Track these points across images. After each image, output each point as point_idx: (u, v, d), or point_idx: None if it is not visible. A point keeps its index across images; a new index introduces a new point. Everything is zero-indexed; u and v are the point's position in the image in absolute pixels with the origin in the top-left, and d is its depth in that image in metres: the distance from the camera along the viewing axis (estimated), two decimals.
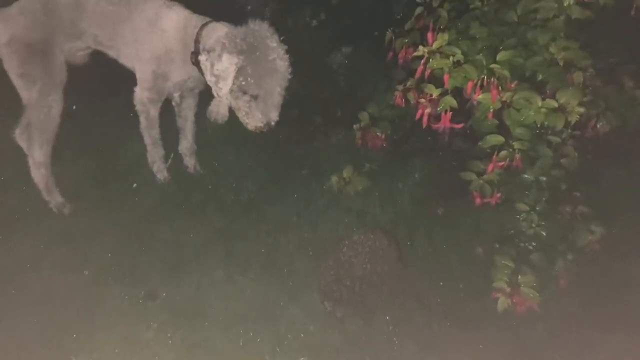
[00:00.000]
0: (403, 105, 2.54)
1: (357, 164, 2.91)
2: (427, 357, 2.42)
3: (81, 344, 2.40)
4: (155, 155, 2.86)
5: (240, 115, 2.33)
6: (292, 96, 3.46)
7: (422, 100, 2.31)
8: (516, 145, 2.38)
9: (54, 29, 2.53)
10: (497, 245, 2.64)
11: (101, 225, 2.84)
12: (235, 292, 2.60)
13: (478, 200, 2.58)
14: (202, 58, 2.25)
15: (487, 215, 2.83)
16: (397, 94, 2.52)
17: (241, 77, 2.20)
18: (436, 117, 2.40)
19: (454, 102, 2.29)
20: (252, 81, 2.20)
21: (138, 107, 2.70)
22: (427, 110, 2.30)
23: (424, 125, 2.37)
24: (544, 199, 2.52)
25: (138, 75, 2.66)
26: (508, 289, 2.37)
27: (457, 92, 2.39)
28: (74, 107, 3.21)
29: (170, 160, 3.13)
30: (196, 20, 2.45)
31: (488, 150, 2.59)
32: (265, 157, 3.16)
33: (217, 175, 3.06)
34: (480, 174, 2.56)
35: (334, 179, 2.88)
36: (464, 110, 2.52)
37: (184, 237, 2.84)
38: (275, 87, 2.25)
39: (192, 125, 2.98)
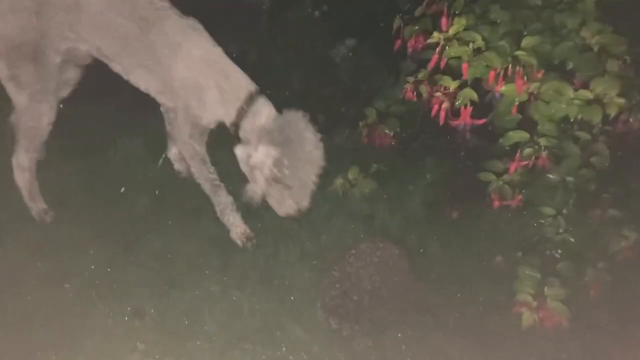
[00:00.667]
0: (414, 99, 2.32)
1: (363, 165, 2.75)
2: None
3: None
4: (222, 204, 2.58)
5: (272, 202, 2.36)
6: (292, 93, 3.30)
7: (438, 93, 2.06)
8: (542, 142, 2.16)
9: (49, 30, 2.34)
10: (520, 254, 2.47)
11: (85, 234, 2.63)
12: (231, 308, 2.39)
13: (497, 203, 2.40)
14: (238, 150, 2.30)
15: (507, 220, 2.66)
16: (408, 87, 2.30)
17: (276, 168, 2.23)
18: (454, 113, 2.16)
19: (474, 95, 2.05)
20: (287, 172, 2.24)
21: (179, 148, 2.62)
22: (445, 105, 2.05)
23: (442, 122, 2.12)
24: (571, 201, 2.33)
25: (176, 132, 2.54)
26: (533, 303, 2.18)
27: (475, 85, 2.15)
28: (60, 106, 2.99)
29: (162, 160, 2.94)
30: (237, 81, 2.35)
31: (507, 149, 2.38)
32: None
33: None
34: (499, 175, 2.36)
35: (339, 181, 2.71)
36: (482, 104, 2.29)
37: (175, 248, 2.62)
38: (310, 176, 2.29)
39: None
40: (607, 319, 2.37)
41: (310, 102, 3.12)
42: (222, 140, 2.78)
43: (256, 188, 2.32)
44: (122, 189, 2.83)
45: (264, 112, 2.31)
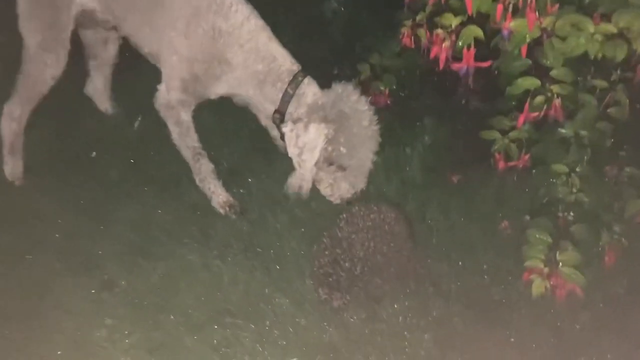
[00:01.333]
0: (412, 45, 2.08)
1: None
2: (446, 355, 1.99)
3: (17, 344, 1.99)
4: (203, 173, 2.36)
5: (322, 187, 2.18)
6: None
7: (438, 30, 1.83)
8: (555, 89, 1.91)
9: None
10: (528, 217, 2.22)
11: (52, 201, 2.45)
12: (210, 279, 2.18)
13: (502, 165, 2.20)
14: (286, 129, 2.07)
15: (512, 182, 2.45)
16: (405, 31, 2.07)
17: (331, 147, 2.04)
18: (456, 57, 1.92)
19: (479, 32, 1.83)
20: (344, 151, 2.05)
21: (162, 112, 2.30)
22: (445, 44, 1.82)
23: (441, 66, 1.88)
24: (585, 158, 2.08)
25: (166, 71, 2.24)
26: (545, 269, 1.96)
27: (480, 24, 1.91)
28: None
29: (138, 123, 2.78)
30: (282, 60, 2.13)
31: (513, 104, 2.16)
32: (249, 121, 2.71)
33: None
34: (504, 132, 2.16)
35: None
36: (486, 49, 2.05)
37: (151, 216, 2.44)
38: (368, 154, 2.10)
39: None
40: (623, 287, 2.18)
41: (300, 63, 2.89)
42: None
43: (305, 174, 2.11)
44: (94, 154, 2.65)
45: (309, 91, 2.11)
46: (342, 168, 2.07)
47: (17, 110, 2.42)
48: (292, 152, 2.07)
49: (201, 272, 2.19)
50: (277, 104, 2.12)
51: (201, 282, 2.16)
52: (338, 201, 2.15)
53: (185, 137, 2.30)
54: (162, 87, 2.24)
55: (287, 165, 2.58)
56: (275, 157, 2.63)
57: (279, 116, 2.14)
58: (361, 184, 2.13)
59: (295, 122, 2.04)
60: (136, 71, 3.02)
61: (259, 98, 2.17)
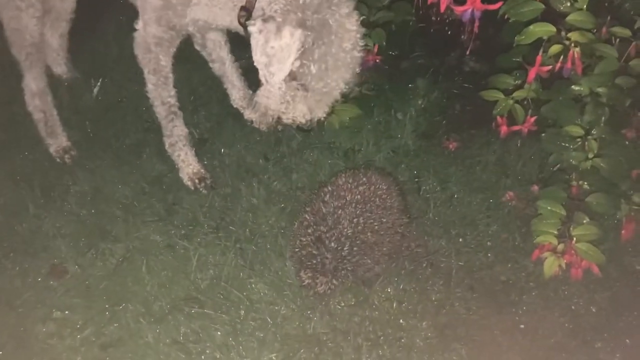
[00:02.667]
0: None
1: None
2: (448, 344, 1.76)
3: None
4: (175, 136, 2.12)
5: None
6: None
7: None
8: (574, 37, 1.66)
9: None
10: (537, 187, 1.99)
11: None
12: (176, 264, 1.92)
13: (504, 129, 1.99)
14: (253, 29, 1.67)
15: (517, 148, 2.24)
16: None
17: (299, 61, 1.67)
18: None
19: None
20: (314, 71, 1.68)
21: (140, 56, 1.99)
22: None
23: (442, 9, 1.62)
24: (603, 119, 1.84)
25: (140, 2, 1.94)
26: (558, 246, 1.77)
27: None
28: None
29: (98, 87, 2.52)
30: None
31: (519, 60, 1.93)
32: (221, 85, 2.43)
33: None
34: (508, 93, 1.95)
35: None
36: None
37: (108, 190, 2.16)
38: (340, 83, 1.73)
39: (232, 66, 2.30)
40: None
41: None
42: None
43: (272, 90, 1.75)
44: None
45: None
46: (304, 88, 1.74)
47: (32, 83, 2.20)
48: (258, 60, 1.69)
49: (165, 255, 1.94)
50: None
51: (165, 266, 1.90)
52: (289, 122, 1.82)
53: (161, 90, 2.04)
54: (139, 25, 1.97)
55: (263, 133, 2.34)
56: (251, 125, 2.37)
57: (245, 14, 1.77)
58: (321, 113, 1.81)
59: (266, 20, 1.66)
60: (96, 31, 2.74)
61: (230, 5, 1.82)
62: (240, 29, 1.82)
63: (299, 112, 1.80)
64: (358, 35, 1.70)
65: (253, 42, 1.69)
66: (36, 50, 2.15)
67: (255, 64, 1.71)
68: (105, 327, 1.74)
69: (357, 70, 1.75)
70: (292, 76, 1.72)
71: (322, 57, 1.67)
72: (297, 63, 1.68)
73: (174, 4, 1.86)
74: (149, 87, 2.04)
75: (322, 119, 1.84)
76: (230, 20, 1.85)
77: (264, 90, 1.77)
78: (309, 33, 1.64)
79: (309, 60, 1.66)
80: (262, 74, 1.73)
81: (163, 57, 1.99)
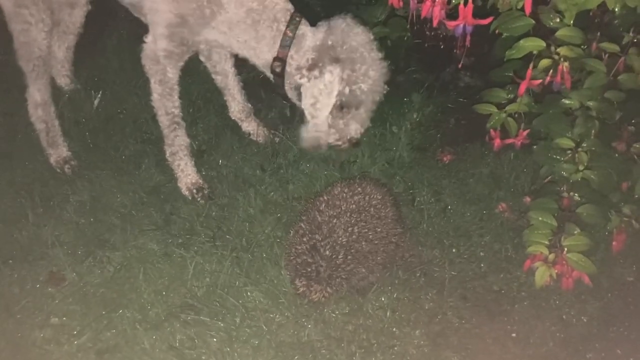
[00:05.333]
0: (400, 5, 1.82)
1: None
2: (440, 353, 1.78)
3: None
4: (176, 146, 2.15)
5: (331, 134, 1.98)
6: None
7: None
8: (563, 51, 1.70)
9: None
10: (528, 199, 2.02)
11: None
12: (173, 271, 1.94)
13: (498, 142, 2.00)
14: (304, 80, 1.87)
15: (510, 160, 2.27)
16: None
17: (348, 88, 1.87)
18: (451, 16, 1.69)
19: None
20: (365, 88, 1.87)
21: (148, 67, 2.03)
22: None
23: (435, 23, 1.66)
24: (593, 131, 1.88)
25: (152, 17, 1.98)
26: (549, 256, 1.78)
27: None
28: None
29: (98, 99, 2.55)
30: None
31: (510, 75, 1.97)
32: (220, 98, 2.46)
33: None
34: (501, 106, 1.97)
35: None
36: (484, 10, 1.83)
37: (107, 199, 2.17)
38: (382, 86, 1.93)
39: (234, 79, 2.35)
40: (632, 275, 2.00)
41: None
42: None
43: (320, 124, 1.90)
44: None
45: (308, 32, 1.90)
46: (357, 107, 1.90)
47: (36, 94, 2.21)
48: (306, 103, 1.88)
49: (162, 263, 1.95)
50: (276, 49, 1.89)
51: (162, 274, 1.91)
52: (346, 145, 1.98)
53: (166, 100, 2.07)
54: (148, 38, 2.01)
55: (261, 145, 2.38)
56: (248, 137, 2.41)
57: (280, 64, 1.90)
58: (368, 121, 1.98)
59: (310, 69, 1.85)
60: (97, 44, 2.78)
61: (253, 44, 1.92)
62: (265, 70, 1.98)
63: (353, 130, 1.94)
64: (375, 42, 1.90)
65: (304, 90, 1.88)
66: (43, 62, 2.18)
67: (302, 106, 1.91)
68: (102, 333, 1.74)
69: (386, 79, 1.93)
70: (343, 104, 1.87)
71: (364, 74, 1.85)
72: (347, 90, 1.85)
73: (191, 23, 1.91)
74: (154, 96, 2.07)
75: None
76: (247, 54, 1.97)
77: (313, 126, 1.91)
78: (346, 64, 1.82)
79: (356, 82, 1.83)
80: (308, 113, 1.90)
81: (171, 70, 2.02)
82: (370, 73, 1.86)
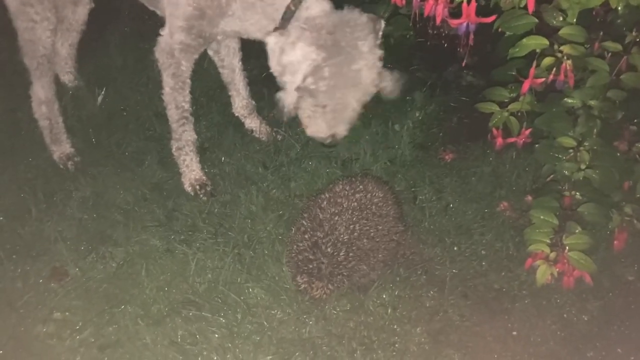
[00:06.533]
0: (402, 3, 1.83)
1: None
2: (441, 350, 1.77)
3: None
4: (183, 141, 2.15)
5: (302, 116, 1.91)
6: None
7: None
8: (566, 49, 1.70)
9: None
10: (530, 198, 2.02)
11: None
12: (175, 267, 1.94)
13: (500, 141, 1.99)
14: (270, 39, 1.81)
15: (512, 159, 2.28)
16: None
17: (312, 78, 1.76)
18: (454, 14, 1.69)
19: None
20: (324, 88, 1.77)
21: (162, 60, 2.02)
22: None
23: (438, 21, 1.66)
24: (595, 130, 1.87)
25: (169, 10, 1.97)
26: (550, 254, 1.77)
27: None
28: None
29: (101, 96, 2.55)
30: None
31: (513, 74, 1.97)
32: (223, 95, 2.47)
33: (161, 116, 2.35)
34: (503, 105, 1.96)
35: None
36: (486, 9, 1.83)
37: (109, 196, 2.18)
38: (351, 101, 1.82)
39: (241, 74, 2.35)
40: (633, 274, 2.00)
41: None
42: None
43: (286, 97, 1.84)
44: None
45: (315, 6, 1.81)
46: (320, 104, 1.83)
47: (40, 91, 2.22)
48: (273, 68, 1.83)
49: (164, 259, 1.95)
50: (277, 22, 1.84)
51: (164, 270, 1.92)
52: (312, 135, 1.92)
53: (177, 94, 2.07)
54: (165, 32, 2.00)
55: (263, 142, 2.38)
56: (251, 134, 2.42)
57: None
58: (340, 129, 1.88)
59: (282, 34, 1.78)
60: (100, 41, 2.79)
61: (264, 22, 1.88)
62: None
63: (317, 127, 1.88)
64: (371, 56, 1.78)
65: (268, 50, 1.80)
66: (47, 60, 2.18)
67: (271, 70, 1.83)
68: (104, 328, 1.75)
69: (374, 87, 1.83)
70: (309, 93, 1.80)
71: (333, 75, 1.75)
72: (310, 80, 1.76)
73: (210, 15, 1.90)
74: (166, 90, 2.07)
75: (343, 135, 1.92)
76: (260, 34, 1.92)
77: (282, 94, 1.85)
78: (322, 53, 1.73)
79: (321, 77, 1.74)
80: (278, 80, 1.84)
81: (185, 63, 2.02)
82: (338, 80, 1.76)
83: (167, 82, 2.05)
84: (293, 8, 1.81)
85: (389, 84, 1.92)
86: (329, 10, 1.81)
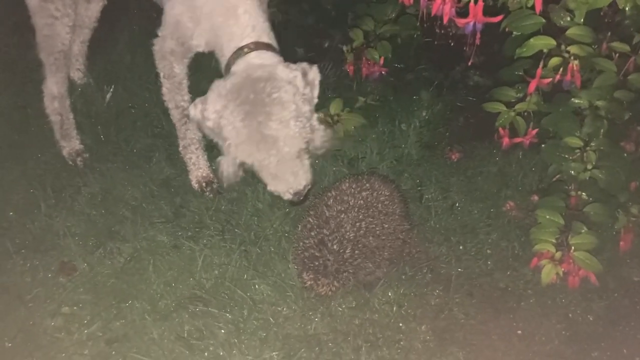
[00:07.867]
0: (411, 3, 1.83)
1: (348, 98, 2.29)
2: (446, 348, 1.78)
3: None
4: (188, 139, 2.16)
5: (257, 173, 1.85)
6: None
7: None
8: (573, 50, 1.70)
9: None
10: (536, 197, 2.03)
11: (4, 175, 2.20)
12: (182, 264, 1.95)
13: (506, 141, 2.00)
14: (190, 111, 1.80)
15: (518, 159, 2.27)
16: None
17: (225, 120, 1.73)
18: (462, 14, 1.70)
19: None
20: (225, 122, 1.72)
21: (157, 62, 2.07)
22: None
23: (445, 20, 1.66)
24: (602, 131, 1.87)
25: (164, 12, 2.03)
26: (556, 254, 1.78)
27: None
28: None
29: (110, 94, 2.56)
30: (243, 20, 1.82)
31: (520, 74, 1.97)
32: None
33: (169, 113, 2.31)
34: (510, 105, 1.97)
35: (318, 115, 2.18)
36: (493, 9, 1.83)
37: (118, 192, 2.19)
38: (271, 158, 1.73)
39: None
40: (639, 275, 2.00)
41: (287, 34, 2.66)
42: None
43: (224, 160, 1.82)
44: None
45: (241, 63, 1.79)
46: (226, 141, 1.75)
47: (54, 87, 2.24)
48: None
49: (172, 255, 1.96)
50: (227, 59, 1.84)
51: (171, 266, 1.93)
52: (276, 192, 1.84)
53: (175, 94, 2.09)
54: (160, 32, 2.05)
55: None
56: None
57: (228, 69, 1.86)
58: (297, 183, 1.80)
59: (199, 103, 1.76)
60: (109, 39, 2.81)
61: (224, 52, 1.88)
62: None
63: (273, 183, 1.80)
64: (286, 114, 1.70)
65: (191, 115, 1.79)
66: (64, 56, 2.20)
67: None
68: (112, 323, 1.76)
69: (301, 145, 1.75)
70: (207, 130, 1.78)
71: (233, 110, 1.70)
72: (210, 123, 1.73)
73: (187, 26, 1.93)
74: (164, 90, 2.10)
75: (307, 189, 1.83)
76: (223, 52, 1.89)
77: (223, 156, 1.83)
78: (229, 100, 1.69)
79: (222, 116, 1.70)
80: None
81: (177, 65, 2.05)
82: (258, 137, 1.68)
83: (164, 82, 2.09)
84: (232, 62, 1.80)
85: (318, 139, 1.86)
86: (257, 65, 1.76)
